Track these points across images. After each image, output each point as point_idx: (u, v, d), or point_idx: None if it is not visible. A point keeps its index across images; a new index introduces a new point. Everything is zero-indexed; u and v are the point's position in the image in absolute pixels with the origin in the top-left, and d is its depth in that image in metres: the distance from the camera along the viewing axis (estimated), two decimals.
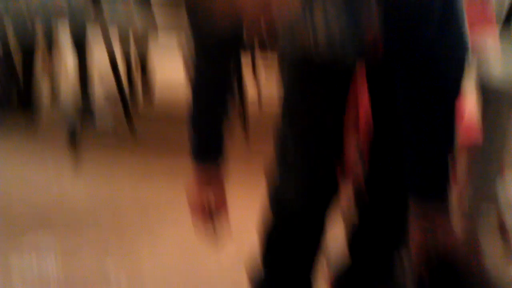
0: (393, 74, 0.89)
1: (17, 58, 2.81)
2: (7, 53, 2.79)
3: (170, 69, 3.84)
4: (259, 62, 3.71)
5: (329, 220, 1.11)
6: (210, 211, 1.00)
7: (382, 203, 1.10)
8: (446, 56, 0.82)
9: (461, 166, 1.83)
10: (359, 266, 1.21)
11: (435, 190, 0.85)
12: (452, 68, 0.83)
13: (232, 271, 1.42)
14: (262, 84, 3.58)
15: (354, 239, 1.19)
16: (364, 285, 1.20)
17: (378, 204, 1.11)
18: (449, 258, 0.79)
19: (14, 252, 1.45)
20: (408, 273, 0.82)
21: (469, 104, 1.19)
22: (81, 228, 1.64)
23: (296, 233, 1.10)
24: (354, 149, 1.17)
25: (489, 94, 0.90)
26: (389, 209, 1.09)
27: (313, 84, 0.97)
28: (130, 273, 1.39)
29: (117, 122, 2.92)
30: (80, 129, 2.37)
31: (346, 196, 1.10)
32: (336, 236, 1.23)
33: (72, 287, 1.32)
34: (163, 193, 1.95)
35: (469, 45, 0.82)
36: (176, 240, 1.58)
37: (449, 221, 0.84)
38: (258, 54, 3.65)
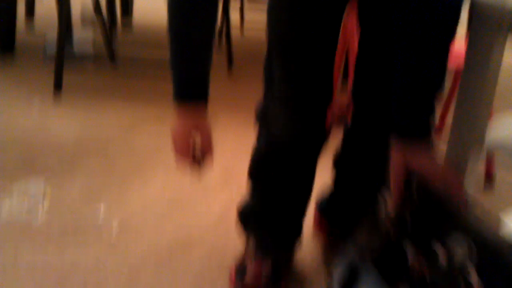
0: (387, 11, 0.86)
1: None
2: None
3: None
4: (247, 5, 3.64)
5: (318, 158, 1.12)
6: (196, 154, 0.99)
7: (367, 133, 1.13)
8: None
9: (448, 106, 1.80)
10: (342, 194, 1.24)
11: (420, 128, 0.85)
12: (450, 5, 0.80)
13: (223, 218, 1.44)
14: (247, 22, 3.53)
15: (339, 163, 1.23)
16: (347, 214, 1.23)
17: (363, 133, 1.14)
18: (429, 190, 0.80)
19: (4, 199, 1.45)
20: (388, 211, 0.83)
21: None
22: (70, 173, 1.64)
23: (285, 164, 1.10)
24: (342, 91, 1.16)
25: (480, 14, 0.86)
26: (374, 140, 1.13)
27: (306, 12, 0.94)
28: (120, 218, 1.40)
29: (97, 47, 2.88)
30: (60, 56, 2.31)
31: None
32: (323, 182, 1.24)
33: (62, 233, 1.33)
34: (152, 137, 1.94)
35: None
36: (167, 185, 1.59)
37: (431, 157, 0.84)
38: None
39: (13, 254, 1.23)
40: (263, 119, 1.10)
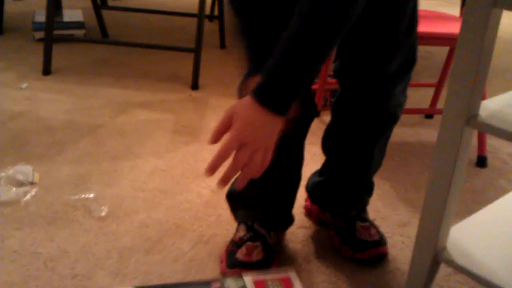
0: None
1: None
2: None
3: None
4: None
5: (304, 138, 1.11)
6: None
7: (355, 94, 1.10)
8: None
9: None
10: (332, 176, 1.24)
11: (273, 99, 0.83)
12: None
13: (213, 203, 1.42)
14: None
15: (327, 136, 1.22)
16: (337, 197, 1.22)
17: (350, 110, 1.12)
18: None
19: None
20: None
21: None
22: (59, 158, 1.62)
23: None
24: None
25: None
26: (361, 118, 1.11)
27: None
28: (110, 204, 1.38)
29: (87, 17, 2.87)
30: (48, 38, 2.27)
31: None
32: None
33: (51, 219, 1.32)
34: (142, 122, 1.92)
35: None
36: (157, 171, 1.57)
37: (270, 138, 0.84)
38: None
39: (0, 240, 1.21)
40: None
